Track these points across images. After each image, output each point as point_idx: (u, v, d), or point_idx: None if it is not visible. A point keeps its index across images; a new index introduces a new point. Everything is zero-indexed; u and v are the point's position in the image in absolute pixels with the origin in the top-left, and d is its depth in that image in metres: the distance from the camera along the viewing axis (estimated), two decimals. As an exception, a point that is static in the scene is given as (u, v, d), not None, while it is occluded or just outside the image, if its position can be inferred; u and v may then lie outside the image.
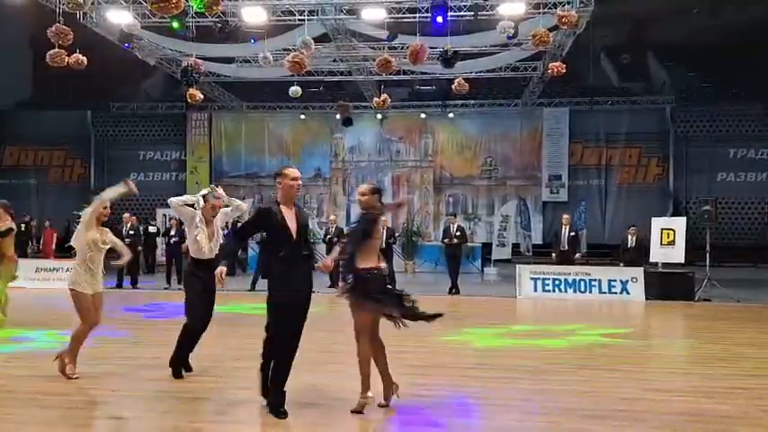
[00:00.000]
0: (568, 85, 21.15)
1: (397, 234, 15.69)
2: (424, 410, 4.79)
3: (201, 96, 15.86)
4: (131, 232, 13.93)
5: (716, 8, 22.12)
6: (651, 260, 13.22)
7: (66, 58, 12.15)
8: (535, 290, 12.66)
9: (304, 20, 13.62)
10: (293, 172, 4.80)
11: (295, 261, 4.63)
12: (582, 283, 12.57)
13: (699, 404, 5.07)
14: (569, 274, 12.69)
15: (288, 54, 13.56)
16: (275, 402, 4.58)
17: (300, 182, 4.82)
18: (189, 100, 15.51)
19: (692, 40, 22.16)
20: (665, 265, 12.96)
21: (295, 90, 16.33)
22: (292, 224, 4.65)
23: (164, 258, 15.18)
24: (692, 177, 21.81)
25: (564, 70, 14.07)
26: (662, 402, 5.06)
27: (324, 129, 22.81)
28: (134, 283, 13.62)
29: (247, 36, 14.69)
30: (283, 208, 4.68)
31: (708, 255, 13.01)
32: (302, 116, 22.56)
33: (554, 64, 14.26)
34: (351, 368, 4.97)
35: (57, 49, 11.93)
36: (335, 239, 14.01)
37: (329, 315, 9.08)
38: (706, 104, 22.01)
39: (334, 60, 17.67)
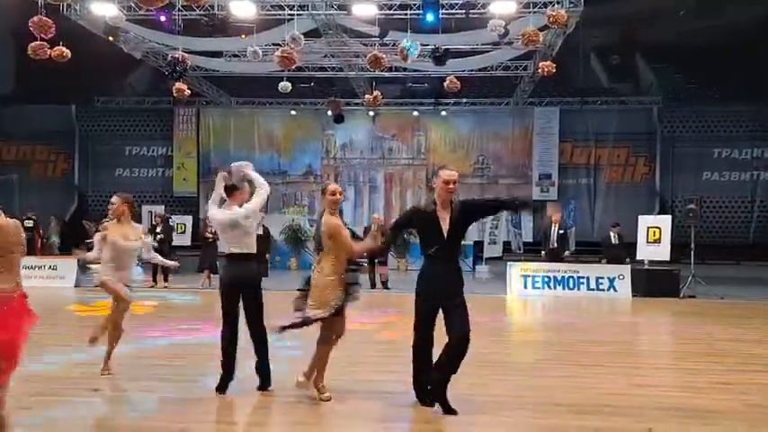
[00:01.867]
0: (559, 84, 21.24)
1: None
2: (416, 406, 4.80)
3: (189, 91, 15.72)
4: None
5: (701, 11, 22.30)
6: (638, 258, 13.36)
7: (49, 50, 11.88)
8: (525, 287, 12.77)
9: (294, 14, 13.56)
10: (447, 174, 4.72)
11: (443, 260, 4.64)
12: (570, 280, 12.70)
13: (684, 399, 5.14)
14: (558, 271, 12.80)
15: (277, 49, 13.49)
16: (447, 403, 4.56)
17: (453, 185, 4.70)
18: (176, 95, 15.36)
19: (679, 41, 22.35)
20: (652, 262, 13.11)
21: (284, 85, 16.24)
22: (445, 225, 4.62)
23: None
24: (678, 176, 22.04)
25: (554, 70, 14.14)
26: (648, 397, 5.12)
27: (315, 125, 22.73)
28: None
29: (236, 30, 14.59)
30: (439, 208, 4.69)
31: (692, 252, 13.19)
32: (293, 112, 22.46)
33: (544, 63, 14.32)
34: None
35: (39, 42, 11.68)
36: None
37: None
38: (692, 105, 22.23)
39: (325, 56, 17.62)
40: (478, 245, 19.13)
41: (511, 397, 5.12)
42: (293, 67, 14.47)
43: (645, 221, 13.60)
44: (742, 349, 7.36)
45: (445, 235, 4.61)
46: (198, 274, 13.79)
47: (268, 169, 22.83)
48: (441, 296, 4.59)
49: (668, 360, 7.12)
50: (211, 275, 13.81)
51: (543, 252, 13.88)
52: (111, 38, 14.47)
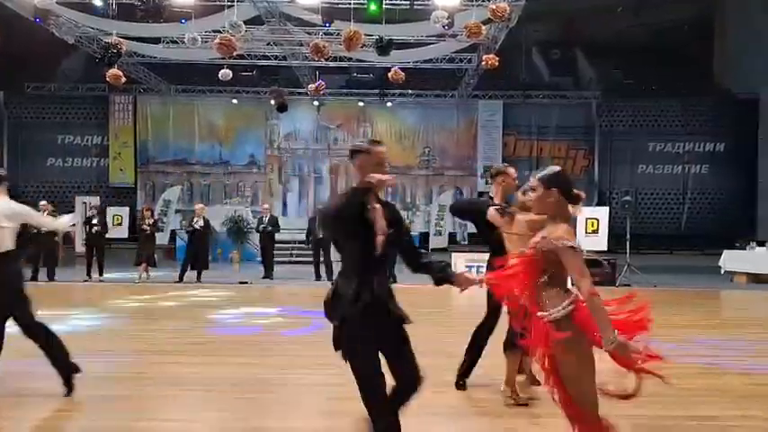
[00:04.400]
0: (502, 78, 21.52)
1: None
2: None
3: (124, 78, 15.12)
4: (49, 220, 13.03)
5: (638, 8, 23.02)
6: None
7: (-25, 35, 11.24)
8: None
9: (234, 1, 13.19)
10: (511, 170, 5.02)
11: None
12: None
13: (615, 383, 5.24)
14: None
15: (217, 36, 13.11)
16: None
17: (513, 180, 4.95)
18: (110, 81, 14.74)
19: (617, 38, 23.05)
20: (590, 252, 13.41)
21: (225, 73, 15.83)
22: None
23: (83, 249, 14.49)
24: (615, 169, 22.77)
25: (497, 63, 14.30)
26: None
27: (258, 114, 22.26)
28: (51, 276, 12.86)
29: (174, 15, 14.09)
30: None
31: (628, 243, 13.64)
32: (234, 101, 21.93)
33: (488, 56, 14.46)
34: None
35: (-37, 25, 11.03)
36: (269, 228, 13.74)
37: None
38: (628, 100, 22.98)
39: (268, 44, 17.27)
40: (424, 236, 19.27)
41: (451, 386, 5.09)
42: (234, 55, 14.17)
43: (583, 213, 13.93)
44: (672, 334, 7.62)
45: None
46: (136, 268, 13.32)
47: (209, 159, 22.35)
48: None
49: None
50: (149, 268, 13.40)
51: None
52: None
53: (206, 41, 14.38)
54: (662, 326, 7.33)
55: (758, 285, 13.95)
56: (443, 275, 3.22)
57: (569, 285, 2.94)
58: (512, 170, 5.03)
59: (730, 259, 15.26)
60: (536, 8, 16.34)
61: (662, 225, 22.65)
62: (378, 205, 3.03)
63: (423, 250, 3.51)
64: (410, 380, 3.08)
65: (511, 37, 16.39)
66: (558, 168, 3.11)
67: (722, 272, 14.75)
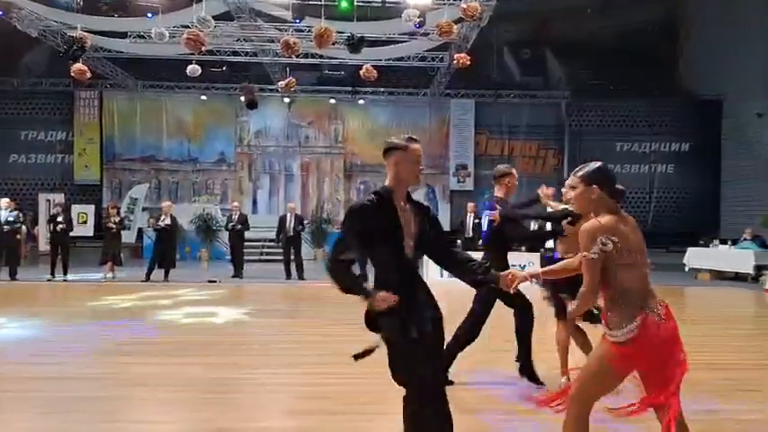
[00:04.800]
0: (474, 77, 21.64)
1: (305, 221, 15.44)
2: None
3: (89, 73, 14.76)
4: (9, 218, 12.63)
5: (606, 10, 23.37)
6: (547, 246, 13.81)
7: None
8: (441, 275, 12.81)
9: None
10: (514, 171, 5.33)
11: None
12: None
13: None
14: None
15: (185, 31, 12.90)
16: None
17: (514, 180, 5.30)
18: (75, 76, 14.37)
19: (585, 39, 23.37)
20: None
21: (193, 69, 15.59)
22: None
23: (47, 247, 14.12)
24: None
25: (469, 62, 14.36)
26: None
27: (228, 111, 21.96)
28: (13, 275, 12.49)
29: (140, 9, 13.81)
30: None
31: (597, 241, 13.79)
32: (203, 97, 21.61)
33: (459, 55, 14.51)
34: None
35: None
36: (239, 226, 13.58)
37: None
38: (596, 100, 23.33)
39: (238, 40, 17.06)
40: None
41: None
42: (203, 51, 13.96)
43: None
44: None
45: None
46: (101, 267, 13.03)
47: (177, 156, 22.00)
48: None
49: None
50: (115, 267, 13.13)
51: (459, 241, 14.10)
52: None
53: (174, 37, 14.15)
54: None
55: (721, 282, 14.30)
56: (485, 278, 3.07)
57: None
58: (515, 171, 5.29)
59: (694, 257, 15.61)
60: (507, 8, 16.48)
61: (629, 223, 23.04)
62: (407, 206, 3.00)
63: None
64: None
65: (482, 36, 16.50)
66: (598, 164, 2.95)
67: (687, 269, 15.07)
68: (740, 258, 14.59)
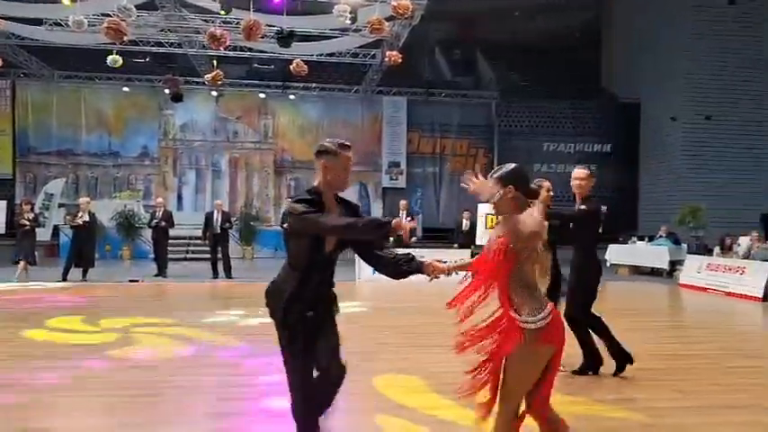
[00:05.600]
0: (406, 75, 21.77)
1: (233, 218, 15.04)
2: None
3: (0, 61, 13.84)
4: None
5: (535, 13, 24.08)
6: (477, 243, 14.08)
7: None
8: (374, 273, 12.78)
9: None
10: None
11: None
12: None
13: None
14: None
15: (105, 20, 12.27)
16: None
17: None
18: (-15, 65, 13.46)
19: (514, 41, 24.00)
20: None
21: (114, 59, 14.89)
22: None
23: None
24: (513, 168, 23.68)
25: (401, 60, 14.42)
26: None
27: (151, 104, 21.12)
28: None
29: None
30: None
31: (524, 238, 14.17)
32: (125, 89, 20.70)
33: (391, 53, 14.54)
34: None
35: None
36: (163, 224, 13.08)
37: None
38: (525, 101, 23.96)
39: (162, 30, 16.42)
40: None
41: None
42: (125, 40, 13.34)
43: (484, 209, 14.34)
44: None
45: None
46: (15, 266, 12.22)
47: (97, 150, 21.00)
48: None
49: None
50: (29, 266, 12.35)
51: (391, 238, 14.12)
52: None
53: (94, 25, 13.47)
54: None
55: (638, 276, 15.01)
56: (409, 268, 3.22)
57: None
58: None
59: (614, 253, 16.31)
60: (439, 8, 16.66)
61: (556, 221, 23.81)
62: (334, 205, 3.10)
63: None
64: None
65: (414, 35, 16.59)
66: (513, 165, 3.03)
67: (608, 264, 15.70)
68: (656, 254, 15.36)
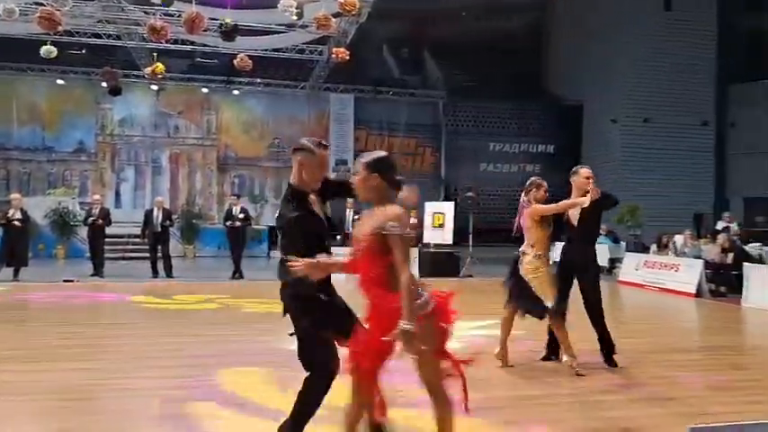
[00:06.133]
0: (354, 72, 21.67)
1: (174, 216, 14.59)
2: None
3: None
4: None
5: (481, 14, 24.40)
6: (424, 241, 14.14)
7: None
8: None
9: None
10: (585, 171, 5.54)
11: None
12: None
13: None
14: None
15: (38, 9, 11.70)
16: None
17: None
18: None
19: (461, 41, 24.25)
20: (437, 245, 13.96)
21: (48, 50, 14.21)
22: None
23: None
24: (460, 166, 23.94)
25: (348, 57, 14.33)
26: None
27: (88, 97, 20.30)
28: None
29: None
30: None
31: (471, 236, 14.35)
32: (60, 81, 19.82)
33: (338, 50, 14.44)
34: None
35: None
36: (100, 221, 12.55)
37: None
38: (471, 102, 24.26)
39: (100, 22, 15.78)
40: (273, 230, 18.81)
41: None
42: (60, 31, 12.74)
43: (431, 207, 14.41)
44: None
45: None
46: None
47: (29, 145, 20.05)
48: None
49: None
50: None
51: (338, 236, 14.00)
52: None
53: (26, 14, 12.81)
54: (501, 313, 7.70)
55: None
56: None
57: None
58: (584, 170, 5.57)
59: (557, 251, 16.64)
60: (386, 6, 16.63)
61: (501, 219, 24.18)
62: (315, 198, 3.24)
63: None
64: None
65: (362, 32, 16.53)
66: (382, 154, 3.03)
67: (551, 262, 16.02)
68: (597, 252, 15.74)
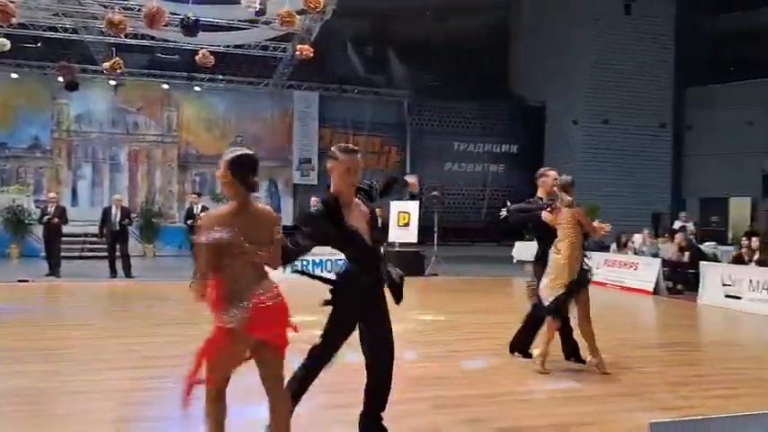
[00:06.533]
0: (318, 70, 21.51)
1: (133, 215, 14.25)
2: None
3: None
4: None
5: (446, 14, 24.51)
6: (389, 240, 14.12)
7: None
8: (283, 271, 12.53)
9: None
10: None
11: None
12: (328, 263, 12.80)
13: (424, 369, 5.38)
14: (324, 255, 12.84)
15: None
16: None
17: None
18: None
19: (426, 41, 24.33)
20: (402, 244, 13.96)
21: (1, 43, 13.70)
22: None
23: None
24: (425, 166, 23.95)
25: (312, 54, 14.20)
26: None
27: (43, 92, 19.59)
28: None
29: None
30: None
31: (435, 235, 14.41)
32: (14, 75, 19.11)
33: (302, 47, 14.30)
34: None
35: None
36: (56, 220, 12.19)
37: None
38: (436, 101, 24.36)
39: (56, 14, 15.28)
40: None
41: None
42: (13, 23, 12.29)
43: (396, 206, 14.40)
44: (474, 320, 8.12)
45: None
46: None
47: (-21, 140, 19.30)
48: None
49: (412, 336, 7.42)
50: None
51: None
52: None
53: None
54: (464, 312, 7.78)
55: (543, 272, 15.54)
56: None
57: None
58: (553, 172, 5.74)
59: (521, 250, 16.82)
60: (351, 4, 16.56)
61: (466, 219, 24.39)
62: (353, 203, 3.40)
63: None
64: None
65: (326, 30, 16.41)
66: (241, 152, 2.99)
67: (514, 261, 16.21)
68: (559, 250, 15.98)
